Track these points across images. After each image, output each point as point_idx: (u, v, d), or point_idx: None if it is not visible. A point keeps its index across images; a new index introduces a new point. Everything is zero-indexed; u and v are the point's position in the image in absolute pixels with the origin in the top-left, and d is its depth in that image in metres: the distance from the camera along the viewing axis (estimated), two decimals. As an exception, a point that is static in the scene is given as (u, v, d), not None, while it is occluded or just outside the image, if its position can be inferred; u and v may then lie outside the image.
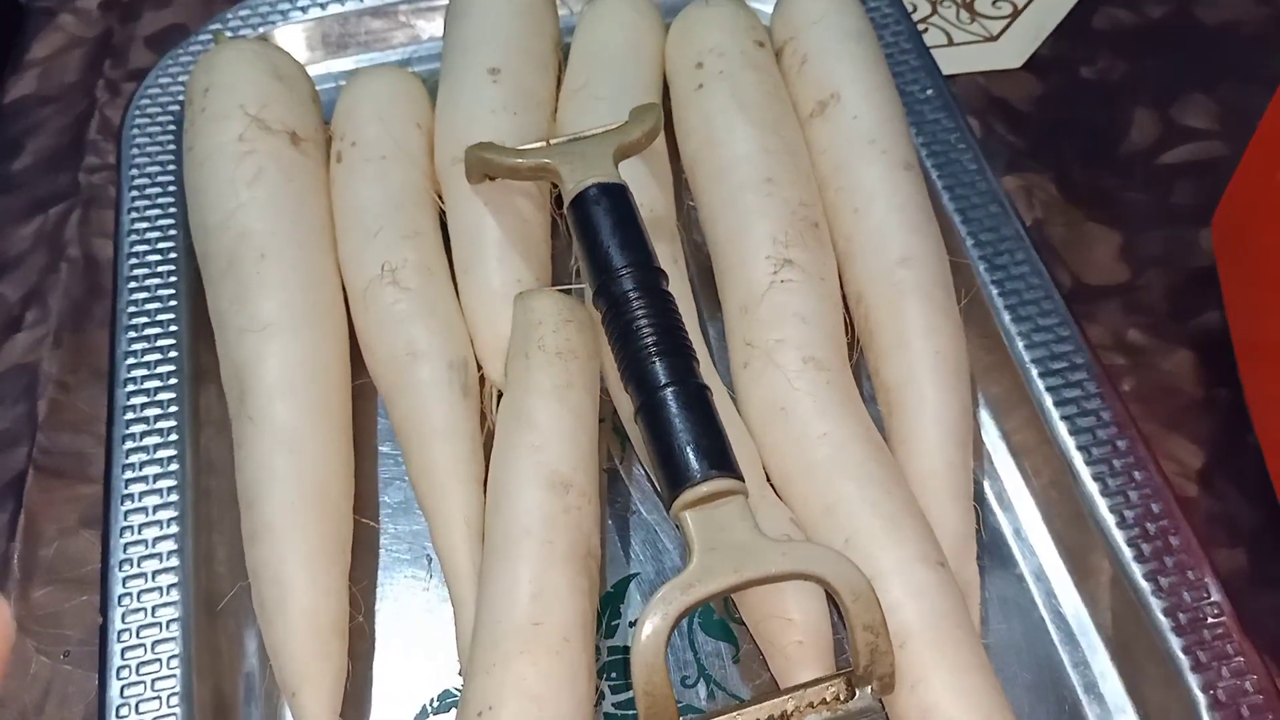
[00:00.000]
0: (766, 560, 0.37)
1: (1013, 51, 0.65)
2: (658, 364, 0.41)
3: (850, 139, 0.53)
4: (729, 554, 0.37)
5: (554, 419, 0.44)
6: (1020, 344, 0.49)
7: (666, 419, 0.39)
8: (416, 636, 0.46)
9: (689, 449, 0.38)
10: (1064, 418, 0.47)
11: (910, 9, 0.67)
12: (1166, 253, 0.56)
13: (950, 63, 0.64)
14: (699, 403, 0.40)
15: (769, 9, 0.63)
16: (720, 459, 0.38)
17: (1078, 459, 0.46)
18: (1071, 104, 0.63)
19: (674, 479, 0.38)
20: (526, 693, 0.38)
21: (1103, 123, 0.62)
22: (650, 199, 0.52)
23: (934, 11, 0.67)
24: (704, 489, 0.38)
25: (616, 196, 0.45)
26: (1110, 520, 0.45)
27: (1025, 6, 0.67)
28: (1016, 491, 0.48)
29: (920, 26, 0.66)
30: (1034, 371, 0.49)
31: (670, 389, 0.40)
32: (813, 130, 0.55)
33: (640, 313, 0.42)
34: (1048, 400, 0.48)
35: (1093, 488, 0.46)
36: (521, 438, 0.44)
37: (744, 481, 0.39)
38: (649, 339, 0.41)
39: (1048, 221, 0.57)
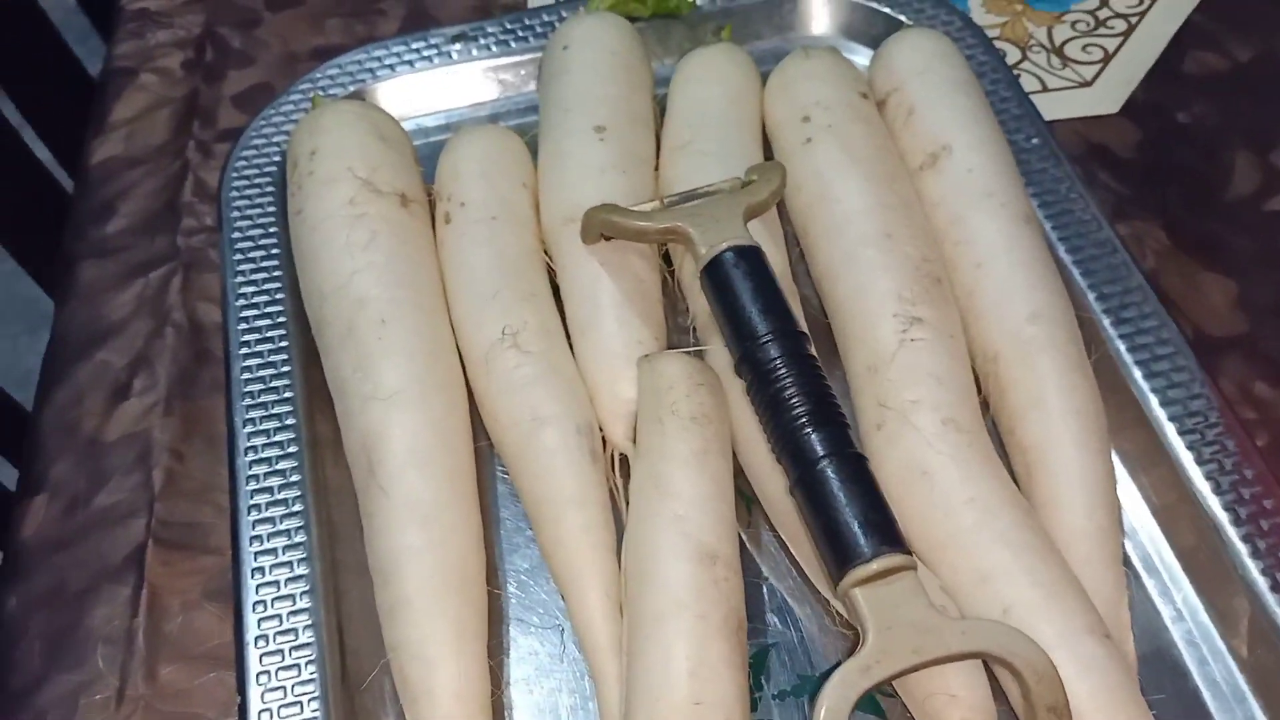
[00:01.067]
0: (946, 640, 0.36)
1: (1109, 96, 0.64)
2: (813, 436, 0.40)
3: (966, 192, 0.53)
4: (906, 633, 0.36)
5: (694, 487, 0.43)
6: (1154, 400, 0.49)
7: (829, 493, 0.39)
8: (554, 710, 0.45)
9: (855, 525, 0.38)
10: (1207, 477, 0.46)
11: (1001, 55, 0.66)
12: (1284, 301, 0.55)
13: (1046, 109, 0.63)
14: (860, 475, 0.39)
15: (861, 60, 0.63)
16: (889, 535, 0.38)
17: (1224, 520, 0.45)
18: (1171, 149, 0.62)
19: (842, 556, 0.37)
20: None
21: (1204, 168, 0.61)
22: (770, 257, 0.52)
23: (1024, 58, 0.67)
24: (874, 566, 0.37)
25: (753, 260, 0.45)
26: (1262, 584, 0.44)
27: (1116, 51, 0.66)
28: (1160, 552, 0.47)
29: (1014, 73, 0.65)
30: (1170, 430, 0.48)
31: (828, 461, 0.39)
32: (924, 183, 0.54)
33: (789, 381, 0.41)
34: (1187, 459, 0.47)
35: (1242, 549, 0.45)
36: (664, 507, 0.43)
37: (913, 556, 0.38)
38: (800, 409, 0.41)
39: (1161, 271, 0.57)
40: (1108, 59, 0.66)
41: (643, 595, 0.42)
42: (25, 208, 0.81)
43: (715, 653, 0.40)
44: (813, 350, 0.43)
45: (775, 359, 0.42)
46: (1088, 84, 0.65)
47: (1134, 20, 0.68)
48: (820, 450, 0.39)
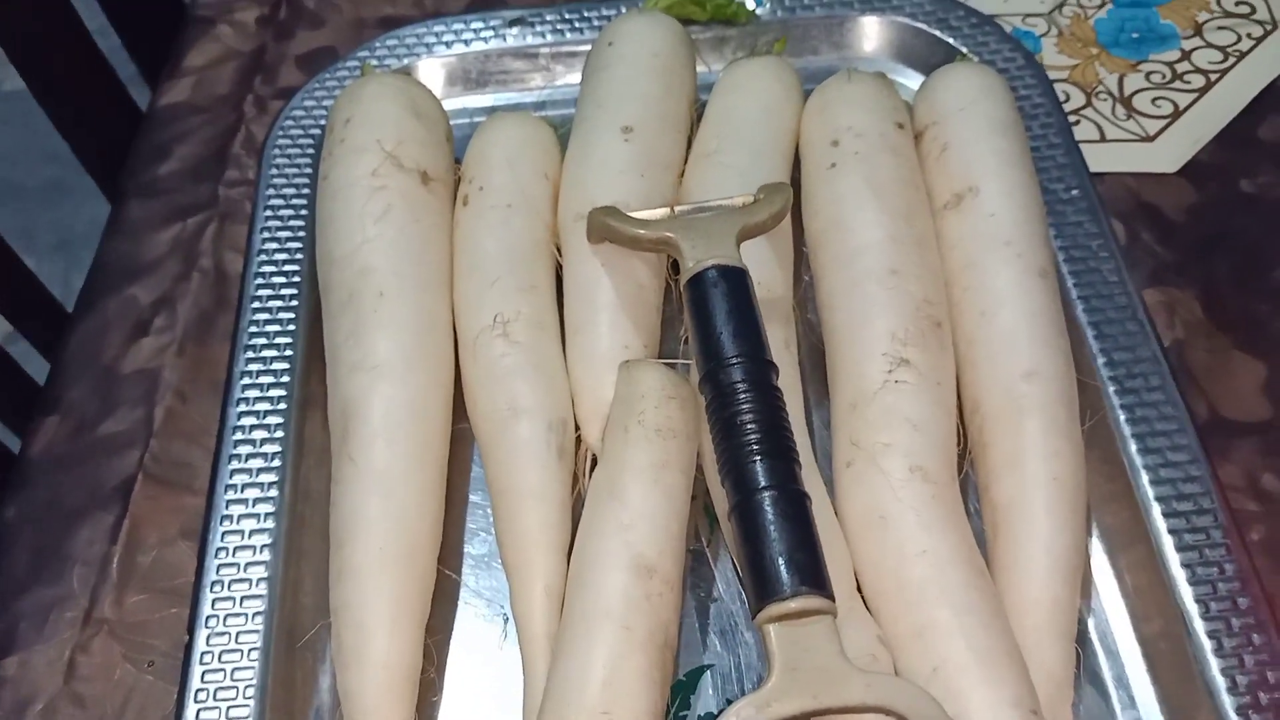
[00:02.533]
0: (849, 689, 0.35)
1: (1169, 155, 0.61)
2: (758, 464, 0.40)
3: (984, 237, 0.51)
4: (810, 676, 0.36)
5: (646, 499, 0.43)
6: (1145, 478, 0.47)
7: (761, 524, 0.38)
8: (485, 696, 0.46)
9: (781, 561, 0.37)
10: (1184, 564, 0.45)
11: (1064, 98, 0.64)
12: (1315, 393, 0.52)
13: (1100, 160, 0.61)
14: (797, 511, 0.39)
15: (914, 85, 0.61)
16: (813, 575, 0.37)
17: (1194, 612, 0.44)
18: (1227, 218, 0.59)
19: (762, 590, 0.37)
20: None
21: (1259, 242, 0.58)
22: (768, 278, 0.51)
23: (1088, 103, 0.64)
24: (792, 605, 0.37)
25: (735, 281, 0.45)
26: (1221, 683, 0.42)
27: (1188, 108, 0.63)
28: (1123, 635, 0.46)
29: (1072, 119, 0.63)
30: (1156, 510, 0.46)
31: (768, 493, 0.39)
32: (945, 222, 0.53)
33: (746, 407, 0.41)
34: (1167, 543, 0.45)
35: (1206, 645, 0.43)
36: (611, 514, 0.43)
37: (835, 601, 0.37)
38: (751, 436, 0.40)
39: (1188, 344, 0.54)
40: (1176, 115, 0.63)
41: (576, 599, 0.42)
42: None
43: (633, 666, 0.40)
44: (777, 380, 0.43)
45: (736, 383, 0.41)
46: (1149, 139, 0.62)
47: (1214, 77, 0.65)
48: (762, 480, 0.39)
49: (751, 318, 0.44)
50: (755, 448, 0.40)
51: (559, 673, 0.40)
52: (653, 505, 0.43)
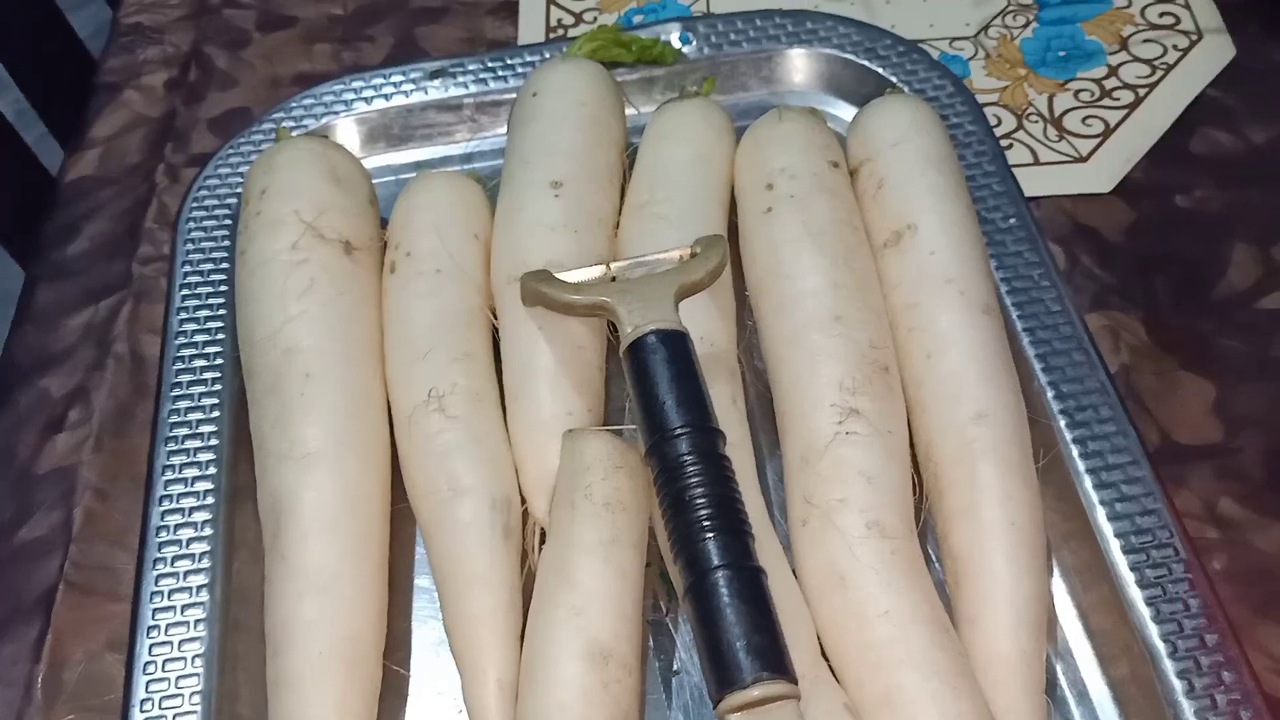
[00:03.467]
0: (817, 780, 0.34)
1: (1103, 174, 0.61)
2: (710, 542, 0.38)
3: (926, 276, 0.50)
4: (777, 768, 0.34)
5: (597, 579, 0.42)
6: (1101, 513, 0.46)
7: (717, 608, 0.37)
8: (442, 798, 0.43)
9: (739, 645, 0.36)
10: (1148, 602, 0.44)
11: (995, 123, 0.64)
12: (1265, 411, 0.52)
13: (1035, 183, 0.60)
14: (753, 590, 0.37)
15: (848, 117, 0.60)
16: (773, 660, 0.36)
17: (1161, 651, 0.43)
18: (1165, 236, 0.59)
19: (722, 678, 0.36)
20: None
21: (1199, 258, 0.58)
22: (710, 332, 0.50)
23: (1019, 126, 0.64)
24: (755, 693, 0.35)
25: (676, 345, 0.43)
26: (1195, 726, 0.41)
27: (1118, 125, 0.63)
28: (1092, 680, 0.45)
29: (1005, 143, 0.63)
30: (1115, 546, 0.45)
31: (722, 572, 0.37)
32: (886, 262, 0.52)
33: (695, 481, 0.39)
34: (1128, 580, 0.44)
35: (1177, 687, 0.42)
36: (562, 597, 0.41)
37: (797, 684, 0.36)
38: (702, 512, 0.39)
39: (1135, 368, 0.54)
40: (1108, 133, 0.63)
41: (529, 691, 0.40)
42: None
43: None
44: (725, 448, 0.41)
45: (683, 455, 0.40)
46: (1082, 159, 0.62)
47: (1142, 92, 0.65)
48: (715, 560, 0.37)
49: (694, 384, 0.42)
50: (707, 524, 0.38)
51: None
52: (605, 585, 0.41)
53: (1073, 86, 0.66)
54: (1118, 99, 0.65)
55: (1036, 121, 0.64)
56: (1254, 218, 0.59)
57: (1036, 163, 0.62)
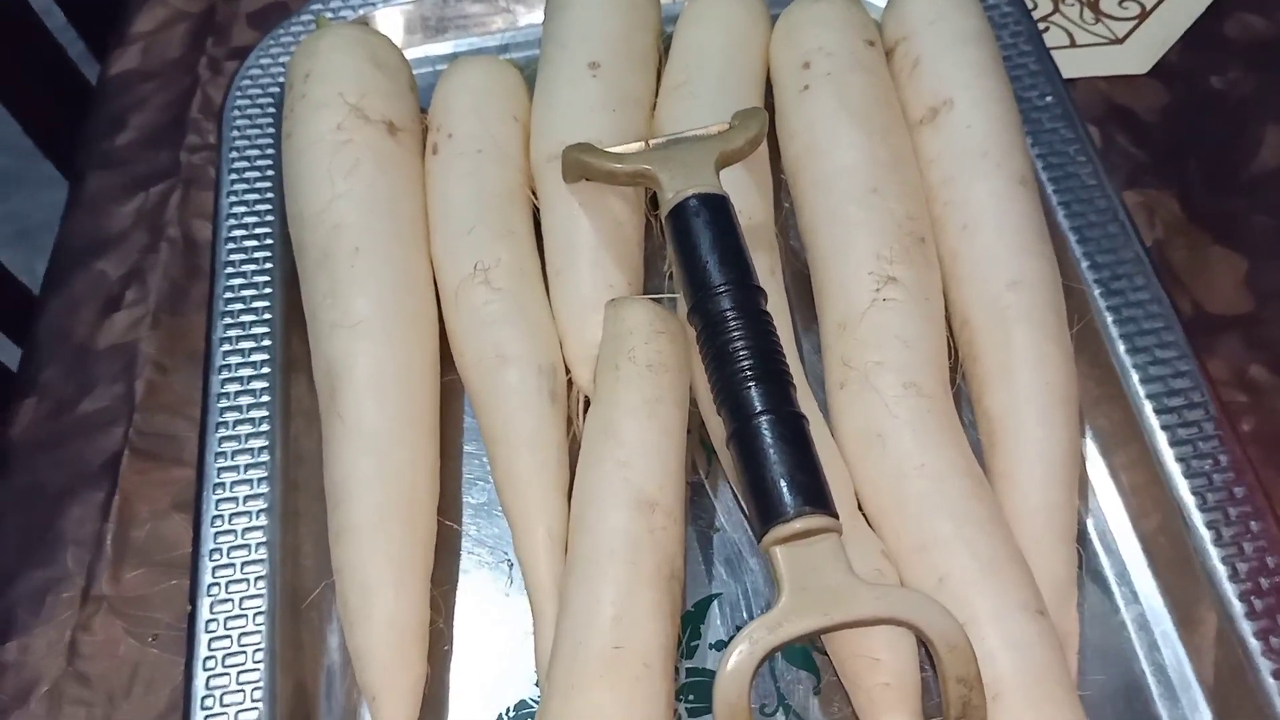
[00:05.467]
0: (858, 604, 0.36)
1: (1139, 56, 0.61)
2: (753, 390, 0.39)
3: (962, 150, 0.51)
4: (819, 595, 0.36)
5: (642, 435, 0.43)
6: (1135, 377, 0.47)
7: (760, 449, 0.38)
8: (495, 643, 0.45)
9: (782, 483, 0.37)
10: (1179, 459, 0.45)
11: (1031, 6, 0.63)
12: (1295, 283, 0.53)
13: (1071, 65, 0.60)
14: (795, 433, 0.39)
15: (881, 2, 0.60)
16: (815, 495, 0.37)
17: (1190, 504, 0.44)
18: (1199, 116, 0.59)
19: (766, 513, 0.37)
20: (604, 716, 0.38)
21: (1231, 138, 0.58)
22: (749, 206, 0.51)
23: (1056, 9, 0.64)
24: (797, 525, 0.37)
25: (717, 209, 0.44)
26: (1222, 572, 0.43)
27: (1154, 8, 0.63)
28: (1122, 532, 0.46)
29: (1041, 25, 0.62)
30: (1148, 407, 0.46)
31: (765, 417, 0.39)
32: (922, 138, 0.53)
33: (737, 334, 0.41)
34: (1161, 439, 0.46)
35: (1205, 535, 0.43)
36: (608, 452, 0.43)
37: (838, 519, 0.37)
38: (745, 363, 0.40)
39: (1168, 243, 0.54)
40: (1144, 15, 0.63)
41: (579, 539, 0.42)
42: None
43: (642, 601, 0.40)
44: (766, 305, 0.42)
45: (725, 310, 0.41)
46: (1119, 41, 0.62)
47: (1179, -25, 0.64)
48: (758, 405, 0.39)
49: (736, 244, 0.43)
50: (749, 374, 0.39)
51: (568, 614, 0.40)
52: (649, 440, 0.43)
53: (1110, -30, 0.65)
54: (1155, -18, 0.64)
55: (1073, 4, 0.64)
56: (1289, 98, 0.59)
57: (1073, 45, 0.62)
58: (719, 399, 0.40)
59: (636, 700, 0.38)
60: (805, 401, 0.46)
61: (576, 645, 0.39)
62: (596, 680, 0.38)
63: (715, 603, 0.46)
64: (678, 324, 0.46)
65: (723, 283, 0.42)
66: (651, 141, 0.50)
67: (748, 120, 0.48)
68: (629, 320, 0.46)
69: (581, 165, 0.48)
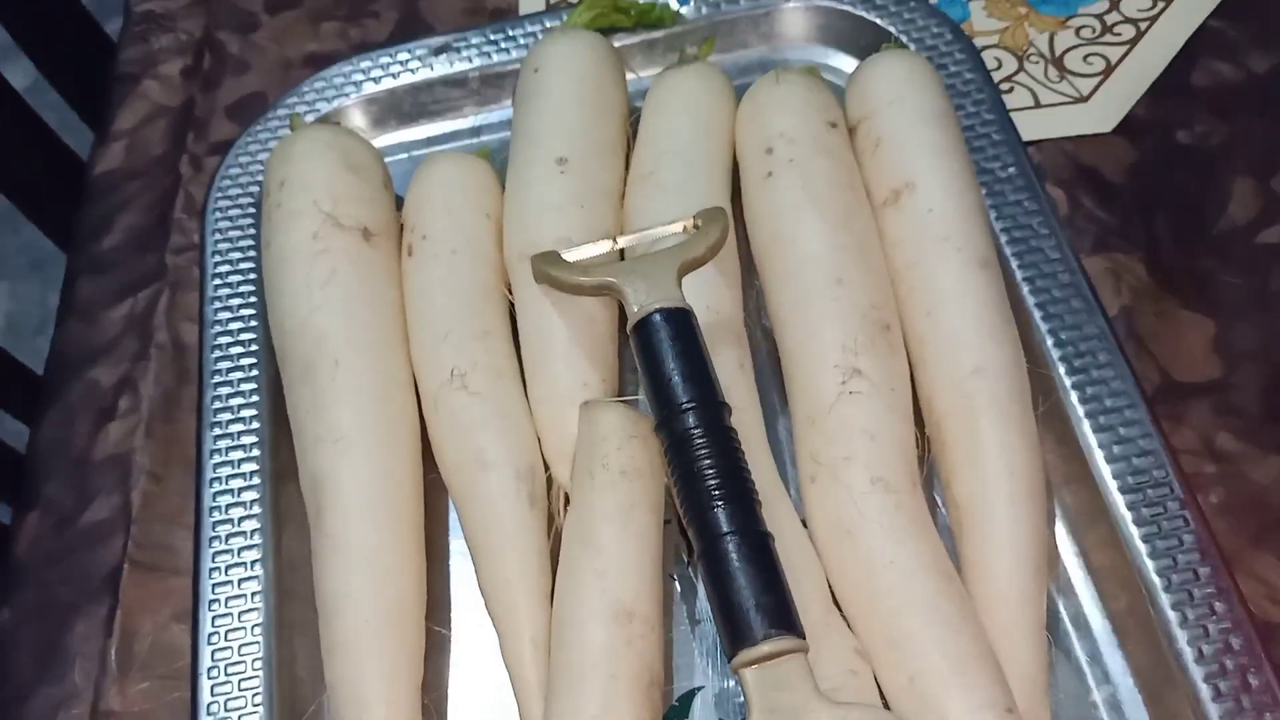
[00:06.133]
0: (823, 725, 0.37)
1: (1104, 113, 0.62)
2: (720, 511, 0.41)
3: (924, 234, 0.52)
4: (786, 716, 0.37)
5: (618, 544, 0.44)
6: (1100, 455, 0.48)
7: (728, 570, 0.39)
8: (488, 747, 0.47)
9: (749, 605, 0.39)
10: (1144, 539, 0.46)
11: (995, 65, 0.64)
12: (1263, 346, 0.53)
13: (1035, 127, 0.61)
14: (760, 554, 0.40)
15: (849, 69, 0.61)
16: (781, 617, 0.38)
17: (1157, 585, 0.45)
18: (1166, 173, 0.60)
19: (734, 636, 0.38)
20: None
21: (1199, 194, 0.59)
22: (716, 299, 0.52)
23: (1020, 68, 0.64)
24: (765, 649, 0.38)
25: (680, 323, 0.45)
26: (1189, 654, 0.44)
27: (1119, 61, 0.63)
28: (1093, 614, 0.47)
29: (1005, 86, 0.63)
30: (1114, 487, 0.47)
31: (732, 539, 0.40)
32: (886, 220, 0.53)
33: (703, 453, 0.42)
34: (1127, 519, 0.46)
35: (1171, 618, 0.44)
36: (586, 563, 0.44)
37: (804, 639, 0.39)
38: (711, 483, 0.41)
39: (1136, 309, 0.55)
40: (1109, 71, 0.63)
41: (560, 651, 0.43)
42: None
43: (623, 712, 0.41)
44: (730, 420, 0.43)
45: (690, 429, 0.42)
46: (1084, 99, 0.62)
47: (1143, 25, 0.65)
48: (725, 526, 0.40)
49: (699, 360, 0.44)
50: (715, 494, 0.41)
51: None
52: (625, 548, 0.44)
53: (1074, 23, 0.66)
54: (1119, 34, 0.65)
55: (1037, 62, 0.64)
56: (1254, 149, 0.59)
57: (1037, 105, 0.62)
58: (687, 517, 0.42)
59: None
60: (777, 495, 0.48)
61: None
62: None
63: (699, 696, 0.47)
64: (649, 426, 0.47)
65: (687, 400, 0.43)
66: (620, 239, 0.51)
67: (709, 225, 0.49)
68: (601, 426, 0.47)
69: (547, 278, 0.49)
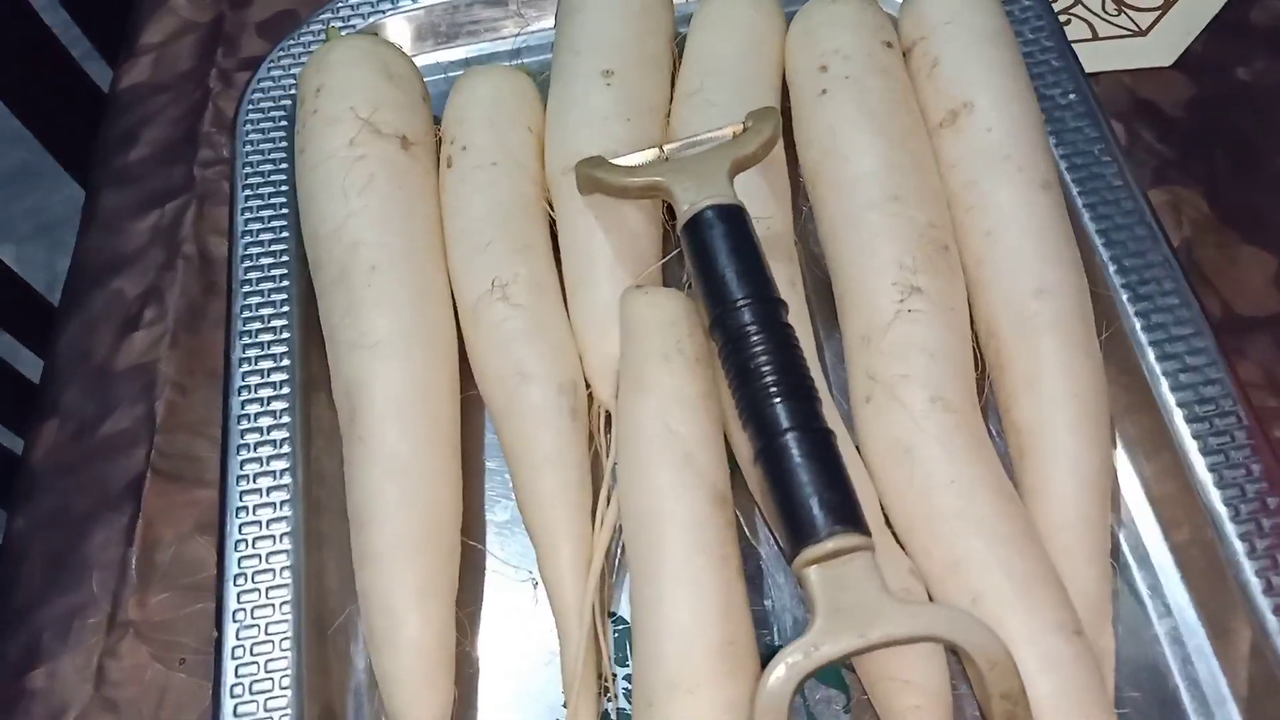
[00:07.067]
0: (895, 623, 0.35)
1: (1163, 48, 0.60)
2: (779, 406, 0.39)
3: (983, 154, 0.50)
4: (855, 615, 0.35)
5: (701, 428, 0.42)
6: (1165, 384, 0.46)
7: (789, 468, 0.38)
8: (521, 664, 0.45)
9: (813, 502, 0.37)
10: (1210, 469, 0.44)
11: (1051, -1, 0.62)
12: (1328, 281, 0.52)
13: (1094, 59, 0.59)
14: (823, 451, 0.38)
15: (898, 1, 0.59)
16: (846, 514, 0.37)
17: (1223, 515, 0.43)
18: (1225, 109, 0.58)
19: (796, 534, 0.37)
20: (739, 714, 0.37)
21: (1258, 131, 0.57)
22: (767, 213, 0.50)
23: (1077, 2, 0.62)
24: (829, 545, 0.36)
25: (733, 220, 0.43)
26: (1256, 585, 0.42)
27: (1178, -2, 0.62)
28: (1154, 545, 0.46)
29: (1062, 18, 0.61)
30: (1179, 416, 0.46)
31: (792, 434, 0.38)
32: (942, 141, 0.52)
33: (760, 350, 0.40)
34: (1192, 448, 0.45)
35: (1238, 548, 0.43)
36: (673, 444, 0.42)
37: (871, 536, 0.37)
38: (769, 379, 0.39)
39: (1197, 242, 0.53)
40: (1167, 6, 0.61)
41: (661, 533, 0.40)
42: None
43: (739, 595, 0.40)
44: (788, 317, 0.42)
45: (747, 325, 0.40)
46: (1142, 33, 0.61)
47: (1203, -37, 0.63)
48: (785, 422, 0.38)
49: (754, 256, 0.42)
50: (774, 390, 0.39)
51: (668, 613, 0.39)
52: (709, 434, 0.42)
53: (1132, -40, 0.64)
54: (1179, -29, 0.63)
55: (1095, -3, 0.63)
56: (1318, 88, 0.58)
57: (1095, 38, 0.61)
58: (744, 416, 0.40)
59: (749, 695, 0.37)
60: (829, 414, 0.46)
61: (691, 641, 0.38)
62: (725, 676, 0.38)
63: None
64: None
65: (743, 296, 0.41)
66: (666, 146, 0.49)
67: (761, 123, 0.47)
68: (670, 310, 0.44)
69: (594, 180, 0.47)
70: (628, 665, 0.44)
